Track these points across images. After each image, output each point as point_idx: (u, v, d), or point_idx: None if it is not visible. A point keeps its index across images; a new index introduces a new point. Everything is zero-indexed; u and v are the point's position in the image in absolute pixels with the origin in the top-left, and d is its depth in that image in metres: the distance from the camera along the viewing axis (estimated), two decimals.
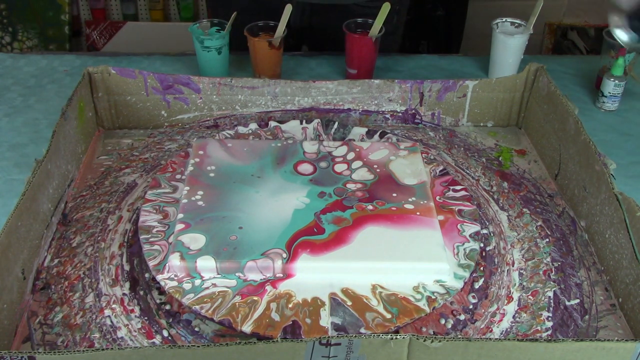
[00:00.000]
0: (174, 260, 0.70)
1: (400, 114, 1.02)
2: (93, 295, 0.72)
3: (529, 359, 0.59)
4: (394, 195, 0.81)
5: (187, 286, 0.69)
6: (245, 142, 0.91)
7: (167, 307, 0.70)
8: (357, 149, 0.89)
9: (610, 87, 1.07)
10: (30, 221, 0.73)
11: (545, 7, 1.19)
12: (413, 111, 1.02)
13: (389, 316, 0.67)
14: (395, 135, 1.00)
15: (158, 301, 0.71)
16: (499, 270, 0.77)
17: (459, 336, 0.68)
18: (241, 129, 0.96)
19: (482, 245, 0.79)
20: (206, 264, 0.70)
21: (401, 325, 0.67)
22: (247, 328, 0.65)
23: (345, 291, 0.70)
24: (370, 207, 0.79)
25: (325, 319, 0.67)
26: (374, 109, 1.02)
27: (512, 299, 0.73)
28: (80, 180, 0.89)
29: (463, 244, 0.76)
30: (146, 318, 0.69)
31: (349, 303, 0.69)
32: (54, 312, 0.69)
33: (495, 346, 0.58)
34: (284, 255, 0.72)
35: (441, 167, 0.89)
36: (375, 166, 0.86)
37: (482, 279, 0.76)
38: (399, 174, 0.85)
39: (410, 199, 0.81)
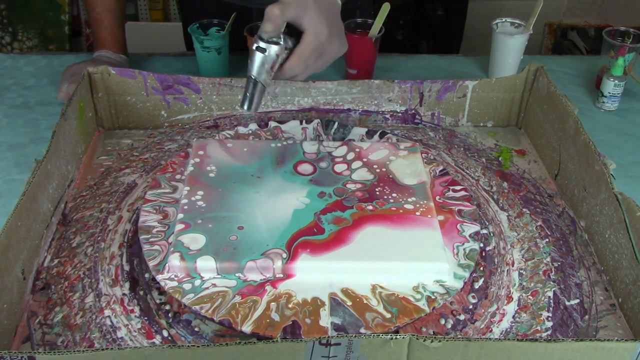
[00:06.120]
0: (174, 260, 0.70)
1: (400, 114, 1.02)
2: (93, 295, 0.72)
3: (528, 359, 0.59)
4: (394, 195, 0.81)
5: (187, 286, 0.69)
6: (245, 142, 0.91)
7: (167, 307, 0.70)
8: (357, 149, 0.89)
9: (610, 87, 1.07)
10: (30, 221, 0.73)
11: (545, 7, 1.19)
12: (413, 111, 1.02)
13: (388, 316, 0.67)
14: (395, 135, 1.00)
15: (158, 301, 0.71)
16: (499, 270, 0.77)
17: (459, 336, 0.68)
18: (241, 129, 0.96)
19: (481, 245, 0.79)
20: (206, 264, 0.70)
21: (401, 325, 0.67)
22: (247, 328, 0.65)
23: (345, 291, 0.70)
24: (370, 207, 0.79)
25: (325, 319, 0.67)
26: (374, 109, 1.02)
27: (512, 299, 0.73)
28: (80, 181, 0.89)
29: (463, 244, 0.76)
30: (146, 318, 0.69)
31: (349, 303, 0.69)
32: (54, 312, 0.69)
33: (495, 346, 0.58)
34: (284, 255, 0.72)
35: (441, 167, 0.89)
36: (375, 166, 0.86)
37: (482, 279, 0.76)
38: (399, 174, 0.85)
39: (410, 199, 0.81)
